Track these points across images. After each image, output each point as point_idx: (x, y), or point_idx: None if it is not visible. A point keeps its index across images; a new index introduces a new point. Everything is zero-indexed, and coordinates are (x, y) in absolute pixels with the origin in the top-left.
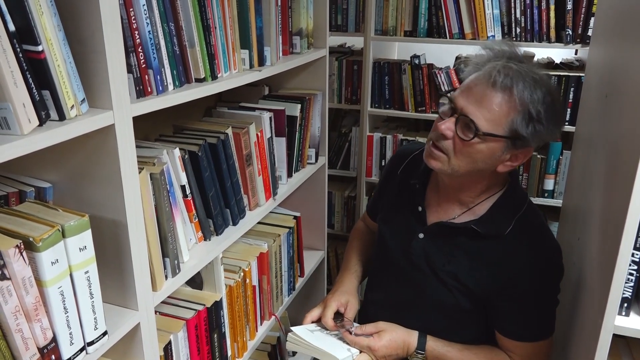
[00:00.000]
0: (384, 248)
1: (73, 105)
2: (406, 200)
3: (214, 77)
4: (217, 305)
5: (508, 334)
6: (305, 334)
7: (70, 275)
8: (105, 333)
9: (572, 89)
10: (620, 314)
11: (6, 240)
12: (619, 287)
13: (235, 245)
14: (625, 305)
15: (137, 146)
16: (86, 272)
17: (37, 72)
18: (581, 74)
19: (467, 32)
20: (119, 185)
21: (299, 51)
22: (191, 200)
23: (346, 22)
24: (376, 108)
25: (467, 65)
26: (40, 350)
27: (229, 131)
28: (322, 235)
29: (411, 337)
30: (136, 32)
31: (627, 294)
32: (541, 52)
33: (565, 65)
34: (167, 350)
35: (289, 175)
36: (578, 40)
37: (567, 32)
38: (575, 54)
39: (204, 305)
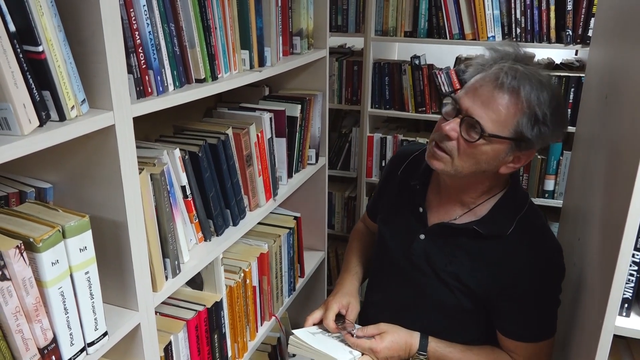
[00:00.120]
0: (384, 249)
1: (73, 106)
2: (406, 201)
3: (214, 77)
4: (218, 305)
5: (509, 334)
6: (307, 336)
7: (71, 275)
8: (105, 334)
9: (572, 89)
10: (620, 314)
11: (6, 241)
12: (620, 287)
13: (235, 245)
14: (626, 305)
15: (137, 147)
16: (86, 273)
17: (37, 73)
18: (581, 75)
19: (468, 32)
20: (119, 186)
21: (299, 52)
22: (191, 201)
23: (346, 22)
24: (376, 108)
25: (469, 66)
26: (41, 350)
27: (229, 132)
28: (322, 235)
29: (413, 338)
30: (136, 32)
31: (628, 295)
32: (541, 52)
33: (565, 65)
34: (168, 350)
35: (289, 175)
36: (578, 40)
37: (567, 33)
38: (576, 54)
39: (204, 305)
